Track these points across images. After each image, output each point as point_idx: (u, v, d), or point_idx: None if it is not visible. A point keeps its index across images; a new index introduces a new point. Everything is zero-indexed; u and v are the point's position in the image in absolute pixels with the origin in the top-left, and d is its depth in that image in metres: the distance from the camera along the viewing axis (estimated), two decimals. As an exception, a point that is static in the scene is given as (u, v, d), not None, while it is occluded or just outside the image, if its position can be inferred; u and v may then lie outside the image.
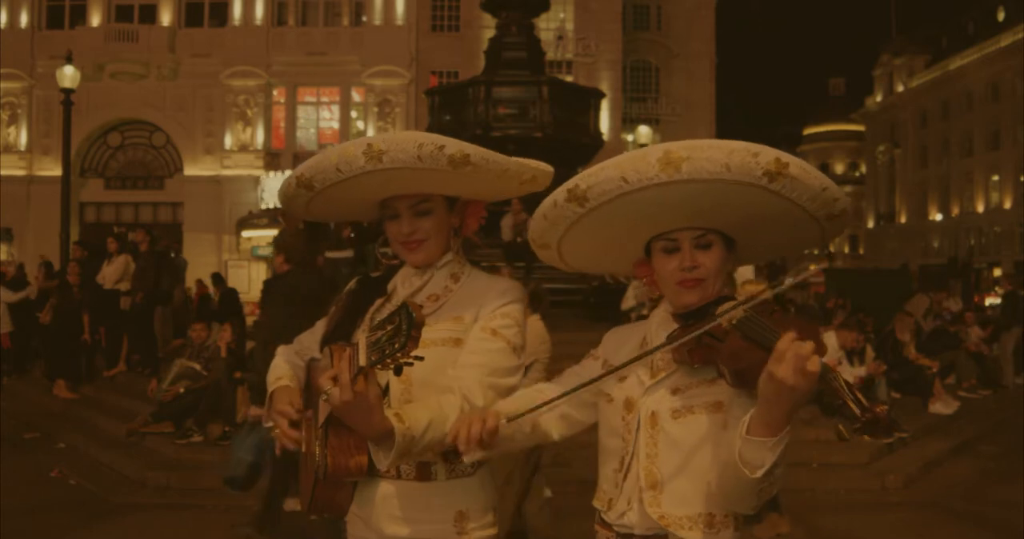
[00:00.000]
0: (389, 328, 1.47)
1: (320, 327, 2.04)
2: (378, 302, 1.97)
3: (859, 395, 1.41)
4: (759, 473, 1.44)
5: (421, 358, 1.48)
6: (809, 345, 1.40)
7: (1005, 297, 16.05)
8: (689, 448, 1.66)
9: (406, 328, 1.43)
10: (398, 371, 1.50)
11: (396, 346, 1.44)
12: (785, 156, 1.55)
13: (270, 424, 1.93)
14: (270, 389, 1.95)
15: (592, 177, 1.63)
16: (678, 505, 1.66)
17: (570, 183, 1.66)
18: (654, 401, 1.71)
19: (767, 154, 1.54)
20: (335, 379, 1.56)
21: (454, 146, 1.72)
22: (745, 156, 1.53)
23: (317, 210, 1.99)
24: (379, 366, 1.48)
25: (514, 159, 1.83)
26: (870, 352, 8.69)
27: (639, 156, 1.58)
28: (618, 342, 1.87)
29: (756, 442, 1.44)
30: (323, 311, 2.09)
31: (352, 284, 2.04)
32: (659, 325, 1.80)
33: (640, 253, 1.81)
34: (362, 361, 1.50)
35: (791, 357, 1.39)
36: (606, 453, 1.79)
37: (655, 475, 1.68)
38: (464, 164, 1.74)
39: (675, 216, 1.68)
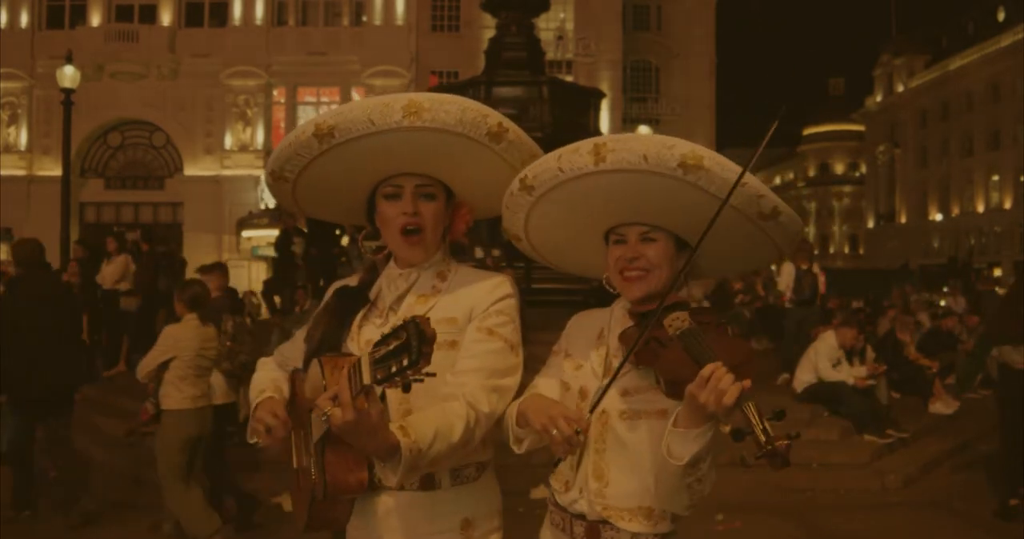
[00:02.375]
0: (395, 344, 1.38)
1: (300, 337, 1.95)
2: (363, 310, 1.90)
3: (768, 425, 1.48)
4: (684, 461, 1.52)
5: (433, 374, 1.39)
6: (728, 378, 1.47)
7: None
8: (634, 449, 1.72)
9: (416, 344, 1.35)
10: (407, 389, 1.40)
11: (405, 363, 1.35)
12: (701, 149, 1.62)
13: (255, 440, 1.87)
14: (254, 403, 1.89)
15: (536, 167, 1.74)
16: (621, 498, 1.73)
17: (521, 173, 1.77)
18: (604, 400, 1.74)
19: (681, 147, 1.62)
20: (335, 398, 1.49)
21: (496, 117, 1.75)
22: (660, 148, 1.62)
23: (308, 182, 1.87)
24: (386, 384, 1.40)
25: (540, 149, 1.85)
26: (870, 352, 8.69)
27: (573, 148, 1.69)
28: (579, 329, 1.92)
29: (680, 433, 1.53)
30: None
31: (329, 298, 1.94)
32: (616, 319, 1.85)
33: (603, 250, 1.86)
34: (366, 379, 1.42)
35: (712, 387, 1.47)
36: None
37: (602, 469, 1.74)
38: (501, 138, 1.75)
39: (620, 210, 1.76)
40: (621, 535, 1.73)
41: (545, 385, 1.88)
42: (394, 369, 1.37)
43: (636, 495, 1.72)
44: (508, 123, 1.76)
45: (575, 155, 1.67)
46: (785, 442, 1.47)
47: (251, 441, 1.87)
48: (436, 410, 1.68)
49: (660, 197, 1.68)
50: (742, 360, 1.54)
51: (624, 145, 1.63)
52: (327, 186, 1.89)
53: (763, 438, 1.46)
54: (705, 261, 1.82)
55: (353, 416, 1.47)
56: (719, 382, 1.46)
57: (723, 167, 1.61)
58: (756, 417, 1.48)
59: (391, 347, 1.38)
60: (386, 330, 1.44)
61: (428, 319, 1.39)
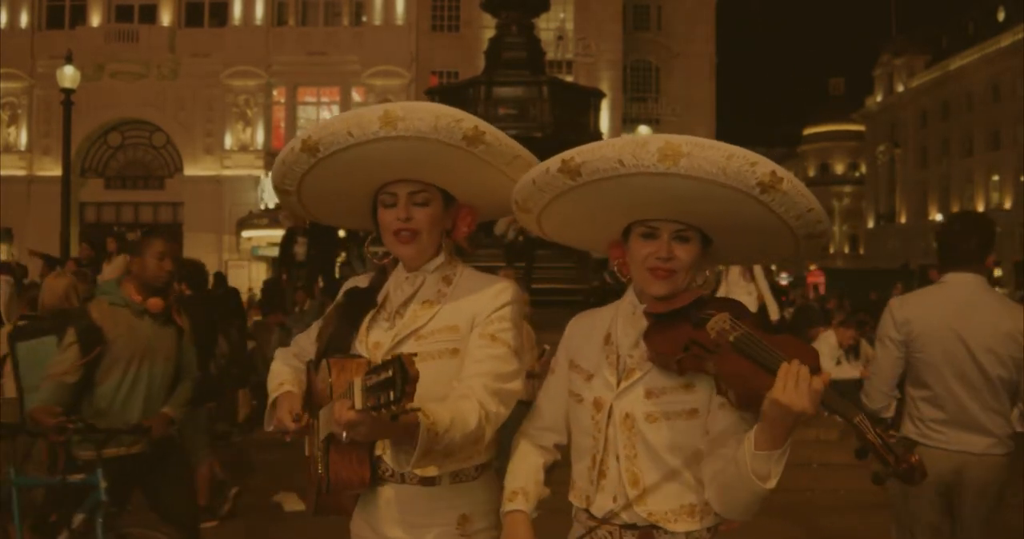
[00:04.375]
0: (384, 376, 1.45)
1: (315, 329, 2.02)
2: (371, 313, 1.94)
3: (891, 443, 1.46)
4: (771, 483, 1.53)
5: (417, 409, 1.46)
6: (805, 371, 1.46)
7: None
8: (666, 451, 1.71)
9: (400, 382, 1.42)
10: (394, 418, 1.49)
11: (391, 397, 1.43)
12: (781, 171, 1.56)
13: (271, 428, 1.93)
14: (272, 395, 1.95)
15: (589, 153, 1.63)
16: (662, 501, 1.71)
17: (566, 154, 1.67)
18: (628, 403, 1.73)
19: (764, 166, 1.55)
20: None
21: (471, 121, 1.73)
22: (743, 164, 1.54)
23: (310, 193, 1.93)
24: (374, 412, 1.47)
25: (526, 150, 1.84)
26: (867, 348, 8.68)
27: (640, 142, 1.58)
28: (582, 335, 1.89)
29: (764, 456, 1.51)
30: None
31: (340, 298, 2.00)
32: (626, 320, 1.82)
33: (617, 235, 1.82)
34: (358, 405, 1.49)
35: (794, 383, 1.45)
36: (578, 451, 1.83)
37: (637, 475, 1.72)
38: (478, 141, 1.74)
39: (661, 206, 1.69)
40: (676, 537, 1.72)
41: (548, 410, 1.91)
42: (382, 400, 1.44)
43: (676, 495, 1.71)
44: (485, 126, 1.74)
45: (641, 150, 1.57)
46: (916, 457, 1.46)
47: (268, 429, 1.96)
48: (450, 403, 1.72)
49: (716, 205, 1.62)
50: (813, 359, 1.51)
51: (701, 151, 1.54)
52: (328, 195, 1.94)
53: (891, 457, 1.46)
54: (725, 251, 1.82)
55: (362, 426, 1.56)
56: (802, 375, 1.45)
57: (799, 191, 1.58)
58: (873, 434, 1.46)
59: (380, 378, 1.45)
60: (392, 333, 1.52)
61: (413, 358, 1.44)
